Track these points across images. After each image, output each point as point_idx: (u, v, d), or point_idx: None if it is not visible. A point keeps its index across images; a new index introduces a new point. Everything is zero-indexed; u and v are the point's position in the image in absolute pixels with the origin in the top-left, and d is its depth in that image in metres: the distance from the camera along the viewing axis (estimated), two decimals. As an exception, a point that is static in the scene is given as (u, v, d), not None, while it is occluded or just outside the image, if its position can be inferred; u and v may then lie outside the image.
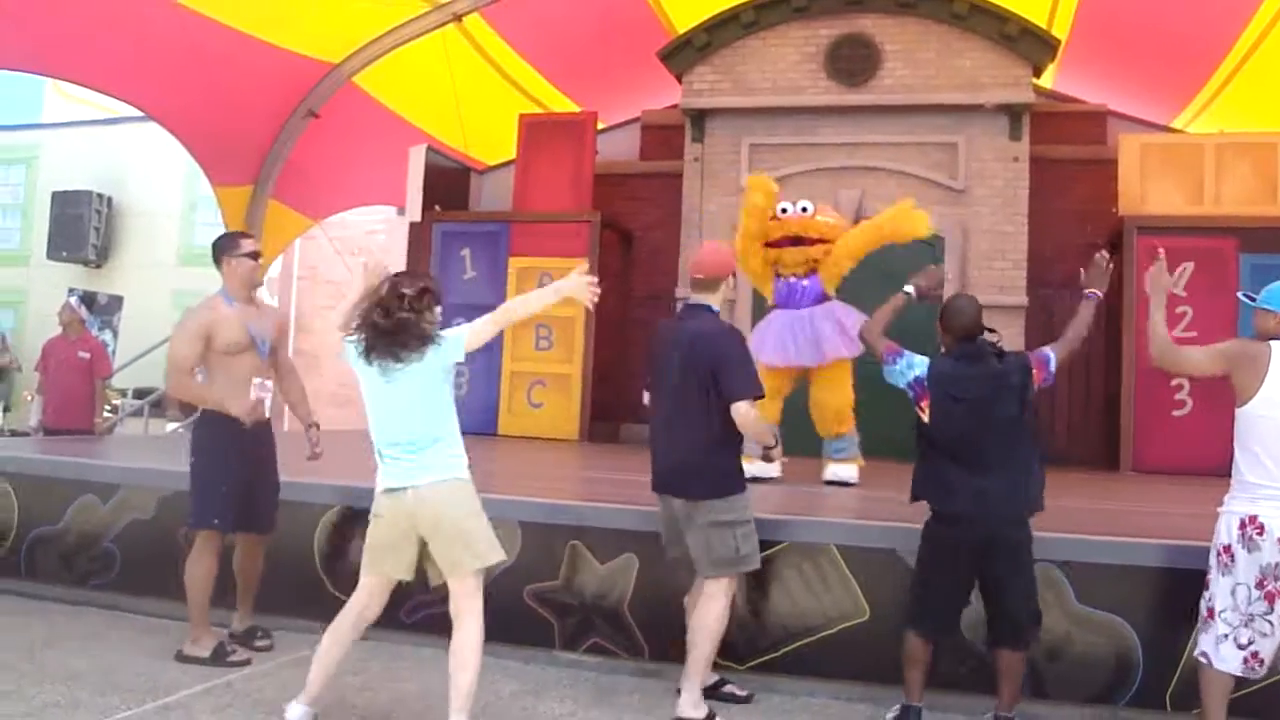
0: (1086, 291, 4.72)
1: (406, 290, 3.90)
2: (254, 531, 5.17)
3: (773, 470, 6.98)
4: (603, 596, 5.17)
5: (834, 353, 6.89)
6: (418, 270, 4.34)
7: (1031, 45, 10.40)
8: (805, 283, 7.09)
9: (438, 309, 4.01)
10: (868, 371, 7.45)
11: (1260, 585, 3.82)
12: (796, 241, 7.06)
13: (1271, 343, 3.97)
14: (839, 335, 6.87)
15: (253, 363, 5.09)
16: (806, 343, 6.89)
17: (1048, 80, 11.47)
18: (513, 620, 5.15)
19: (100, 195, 18.96)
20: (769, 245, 7.14)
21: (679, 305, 4.56)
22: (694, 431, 4.26)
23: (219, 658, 4.89)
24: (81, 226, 18.71)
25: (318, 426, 5.46)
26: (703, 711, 4.19)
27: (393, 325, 3.86)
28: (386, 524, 3.98)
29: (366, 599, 4.06)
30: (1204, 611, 4.02)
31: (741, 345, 4.38)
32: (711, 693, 4.42)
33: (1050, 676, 4.66)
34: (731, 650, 4.89)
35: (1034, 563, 4.25)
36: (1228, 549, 3.91)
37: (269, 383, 5.14)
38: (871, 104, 10.79)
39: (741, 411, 4.20)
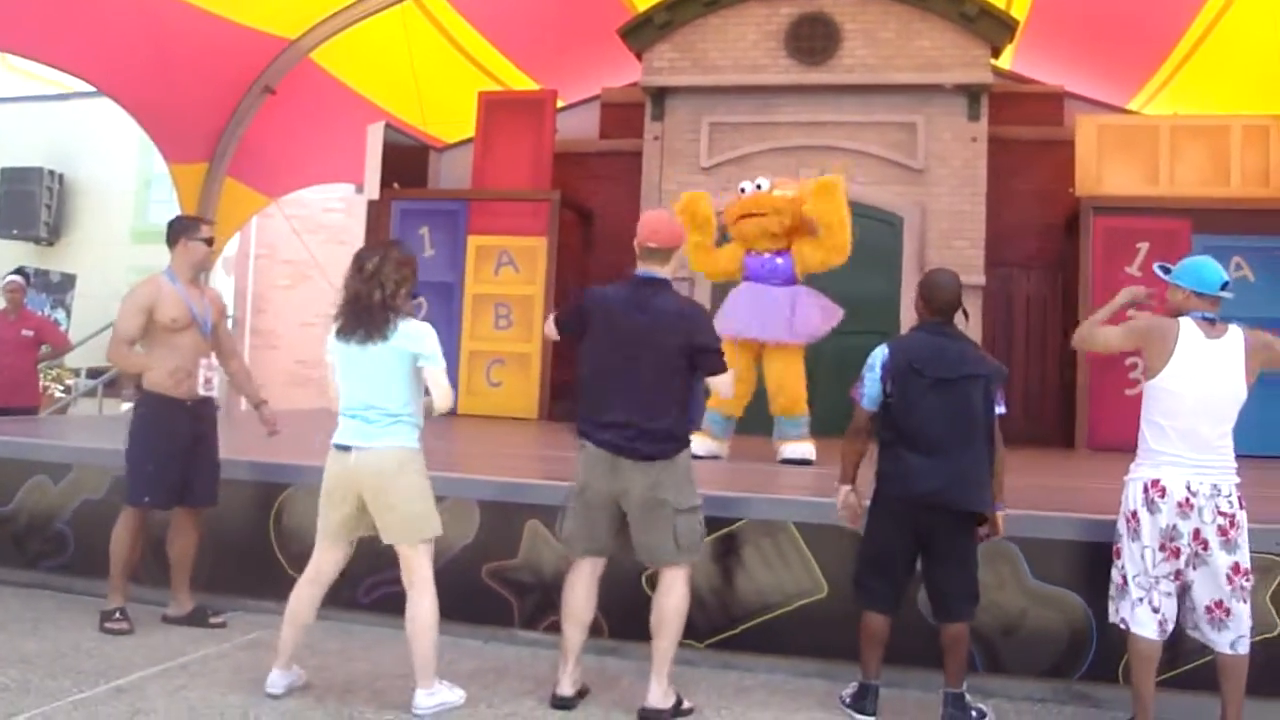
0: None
1: (388, 275, 4.07)
2: (188, 505, 5.19)
3: (721, 450, 7.04)
4: (562, 575, 5.13)
5: (806, 333, 6.97)
6: (395, 244, 4.29)
7: (990, 26, 10.44)
8: (779, 260, 7.12)
9: (415, 303, 4.23)
10: (818, 351, 7.54)
11: (1163, 547, 3.97)
12: (751, 216, 7.12)
13: (1180, 319, 4.09)
14: (818, 317, 6.97)
15: (195, 340, 5.20)
16: (780, 318, 6.92)
17: (1006, 61, 11.53)
18: (472, 599, 5.14)
19: (51, 172, 18.60)
20: (742, 218, 7.23)
21: (632, 276, 4.40)
22: (662, 400, 4.14)
23: (101, 619, 5.01)
24: (32, 204, 18.34)
25: (267, 403, 5.62)
26: (671, 700, 4.15)
27: (363, 305, 4.07)
28: (329, 481, 4.18)
29: (321, 562, 4.26)
30: (1117, 580, 4.16)
31: (708, 322, 4.39)
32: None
33: (1006, 651, 4.71)
34: (691, 628, 4.87)
35: (974, 545, 4.28)
36: (1134, 515, 4.06)
37: (215, 361, 5.30)
38: (831, 83, 10.80)
39: (725, 383, 4.26)
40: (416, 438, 4.21)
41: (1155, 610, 4.01)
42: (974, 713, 4.16)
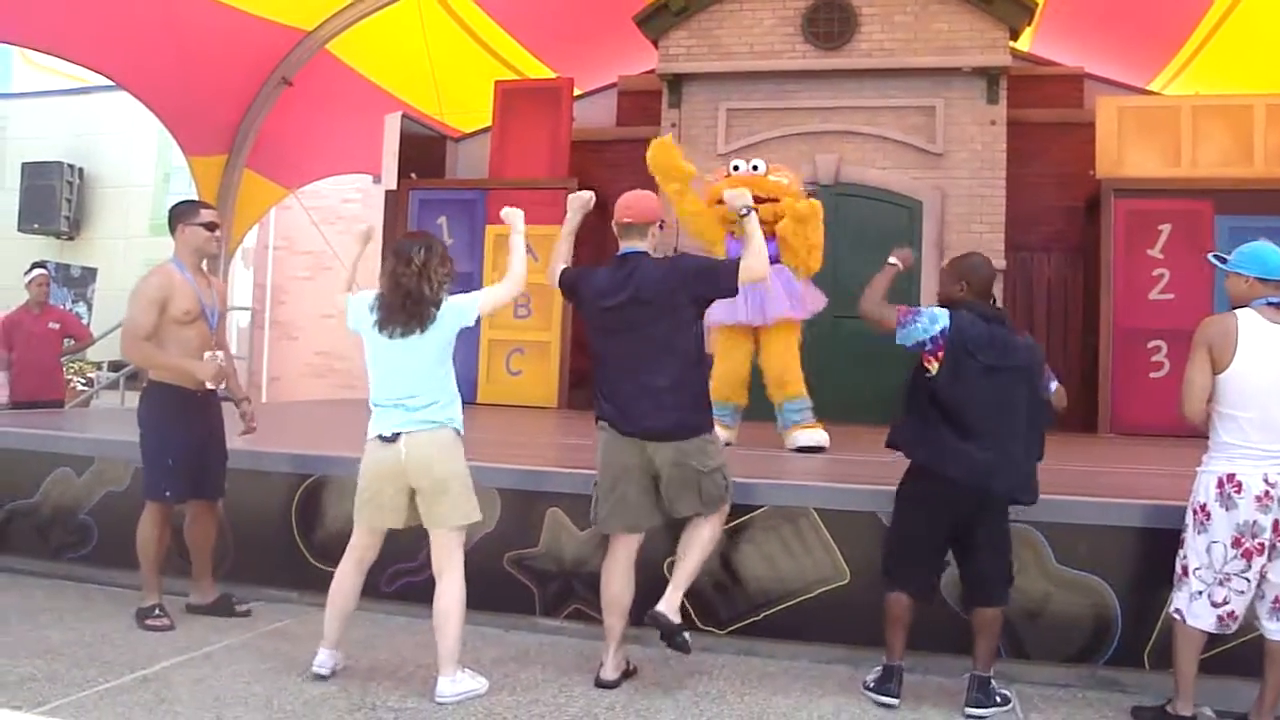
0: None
1: (435, 270, 4.13)
2: (204, 498, 5.19)
3: (732, 438, 6.98)
4: (583, 563, 5.16)
5: (777, 314, 6.86)
6: (435, 238, 4.31)
7: (1008, 8, 10.34)
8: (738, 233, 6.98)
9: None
10: (825, 336, 7.48)
11: (1237, 544, 3.88)
12: None
13: (1238, 312, 4.00)
14: (787, 297, 6.86)
15: (203, 332, 5.08)
16: (778, 296, 6.85)
17: (1025, 43, 11.44)
18: (493, 588, 5.14)
19: (71, 166, 18.69)
20: (718, 203, 7.07)
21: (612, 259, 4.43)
22: (670, 370, 4.20)
23: (140, 617, 4.97)
24: (53, 198, 18.43)
25: (248, 401, 5.55)
26: (678, 619, 4.22)
27: (411, 301, 4.10)
28: (375, 473, 4.19)
29: (362, 549, 4.31)
30: (1179, 570, 4.08)
31: (695, 259, 4.51)
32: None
33: (1029, 637, 4.68)
34: (712, 614, 4.91)
35: (1010, 524, 4.26)
36: (1204, 508, 3.96)
37: (220, 354, 5.14)
38: (849, 68, 10.73)
39: (751, 269, 4.24)
40: (460, 420, 4.26)
41: (1216, 605, 3.93)
42: (998, 698, 4.15)
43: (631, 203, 4.47)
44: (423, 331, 4.11)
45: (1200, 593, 3.96)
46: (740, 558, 4.96)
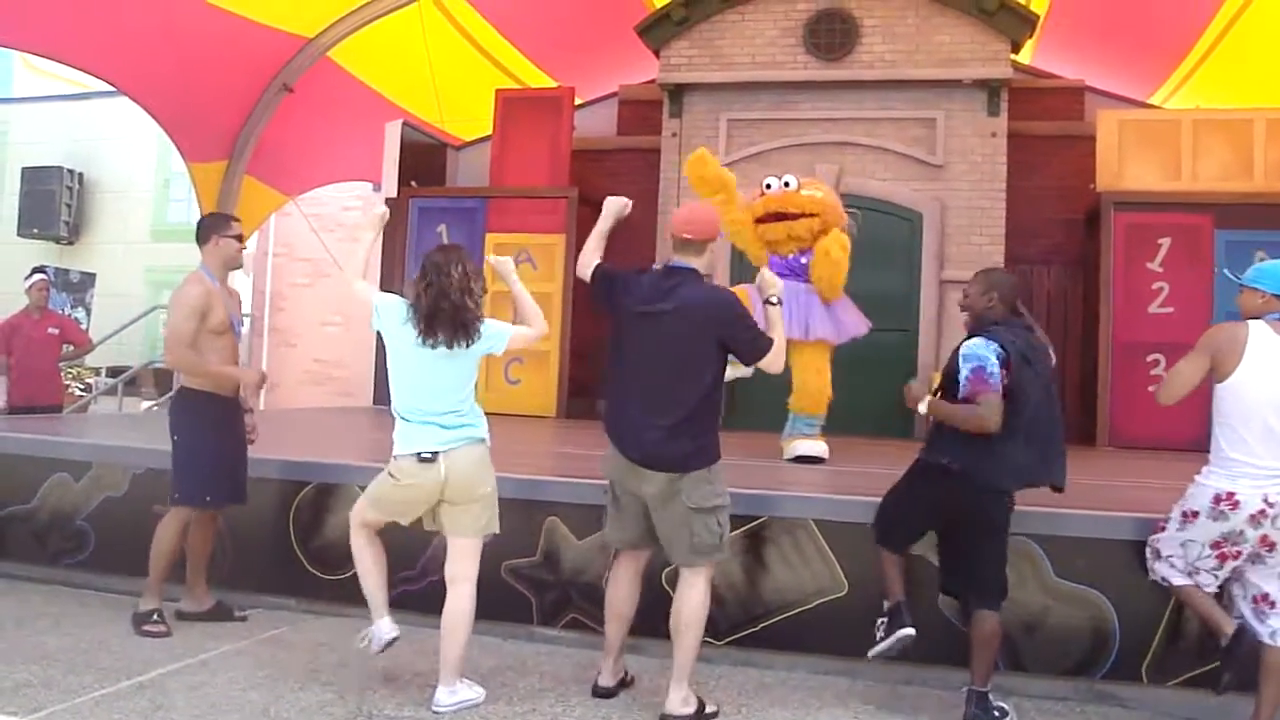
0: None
1: (475, 285, 4.11)
2: (238, 503, 5.23)
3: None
4: (580, 572, 5.16)
5: (819, 334, 6.88)
6: (460, 249, 4.28)
7: (1010, 20, 10.36)
8: (803, 260, 6.98)
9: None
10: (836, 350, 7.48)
11: (1216, 546, 3.99)
12: (780, 217, 7.00)
13: (1250, 322, 4.01)
14: (830, 320, 6.88)
15: (231, 343, 5.17)
16: (821, 317, 6.87)
17: (1026, 56, 11.45)
18: (491, 597, 5.10)
19: (71, 171, 18.72)
20: (757, 222, 7.11)
21: (659, 265, 4.36)
22: (685, 402, 4.02)
23: (138, 622, 4.96)
24: (53, 203, 18.46)
25: (252, 411, 5.52)
26: (692, 706, 4.07)
27: (460, 315, 4.06)
28: (408, 488, 4.17)
29: (373, 526, 4.32)
30: (1149, 552, 4.34)
31: (742, 308, 4.20)
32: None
33: (1027, 649, 4.68)
34: (710, 625, 4.86)
35: (1007, 536, 4.27)
36: (1194, 514, 4.05)
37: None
38: (850, 79, 10.73)
39: (775, 358, 4.15)
40: (486, 430, 4.29)
41: (1190, 575, 4.14)
42: (996, 712, 4.14)
43: (693, 218, 4.28)
44: (468, 346, 4.11)
45: (1172, 565, 4.19)
46: (738, 568, 4.95)
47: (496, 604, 5.13)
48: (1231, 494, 3.91)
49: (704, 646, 4.60)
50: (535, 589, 5.22)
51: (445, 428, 4.13)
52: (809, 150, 10.69)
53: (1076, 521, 4.75)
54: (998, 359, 4.09)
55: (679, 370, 4.05)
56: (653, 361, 4.07)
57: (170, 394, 5.33)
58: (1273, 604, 3.94)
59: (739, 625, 4.95)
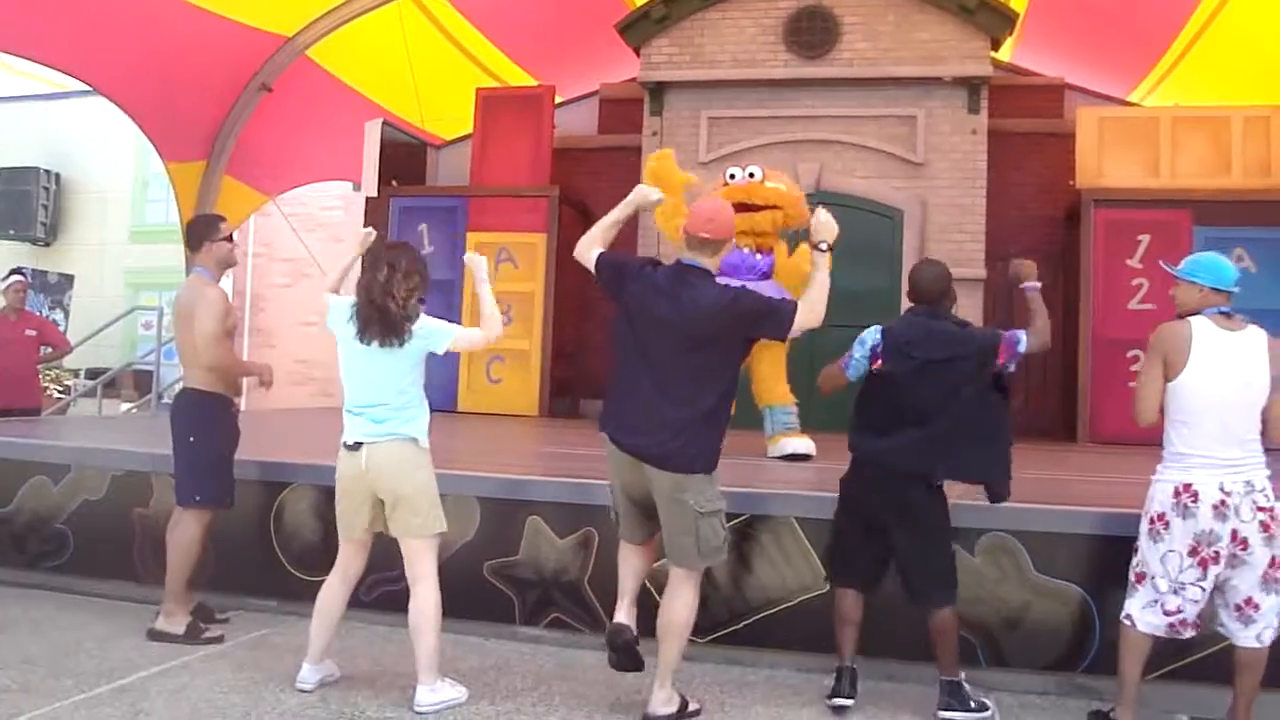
0: (1025, 286, 4.54)
1: (399, 286, 4.12)
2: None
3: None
4: (563, 571, 5.15)
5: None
6: (408, 249, 4.33)
7: (990, 18, 10.40)
8: (757, 257, 6.88)
9: (422, 305, 4.24)
10: (816, 345, 7.48)
11: (1194, 553, 3.90)
12: (742, 208, 6.94)
13: (1191, 320, 4.03)
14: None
15: (231, 344, 5.20)
16: None
17: (1006, 54, 11.50)
18: (473, 596, 5.13)
19: (48, 171, 18.60)
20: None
21: (673, 262, 4.19)
22: (694, 400, 3.94)
23: (192, 635, 4.88)
24: (29, 204, 18.35)
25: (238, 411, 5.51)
26: (674, 705, 4.06)
27: (383, 315, 4.11)
28: (341, 481, 4.25)
29: (345, 562, 4.33)
30: (1131, 577, 4.11)
31: (752, 298, 4.10)
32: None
33: (1009, 645, 4.70)
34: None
35: (946, 529, 4.31)
36: (1161, 517, 3.98)
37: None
38: (830, 77, 10.76)
39: (807, 319, 4.02)
40: (423, 430, 4.25)
41: (1169, 614, 3.96)
42: (973, 703, 4.15)
43: (713, 216, 4.11)
44: (400, 345, 4.13)
45: (1154, 601, 4.00)
46: (722, 566, 4.94)
47: (479, 603, 5.14)
48: (1189, 485, 3.91)
49: (687, 645, 4.61)
50: (517, 588, 5.21)
51: (373, 420, 4.17)
52: (790, 148, 10.71)
53: (1057, 517, 4.77)
54: (870, 344, 4.36)
55: (687, 377, 3.96)
56: (667, 364, 3.97)
57: (150, 396, 5.29)
58: (1256, 606, 3.92)
59: (722, 623, 4.95)
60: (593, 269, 4.32)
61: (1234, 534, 3.86)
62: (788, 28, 10.84)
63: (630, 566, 4.25)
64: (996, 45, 10.63)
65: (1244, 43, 10.23)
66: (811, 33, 10.79)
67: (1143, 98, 11.89)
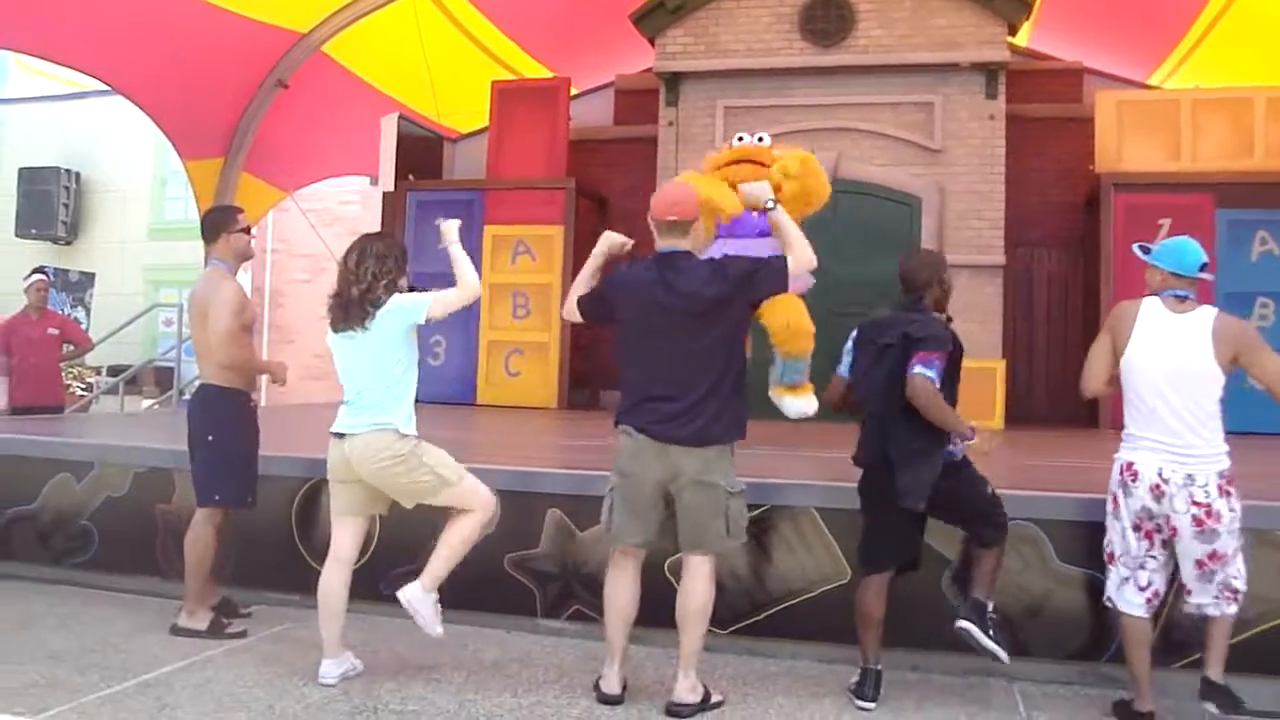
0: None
1: (366, 270, 4.17)
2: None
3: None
4: (583, 563, 5.15)
5: (806, 283, 6.79)
6: (385, 236, 4.45)
7: (1007, 3, 10.33)
8: (755, 215, 6.48)
9: (401, 279, 4.26)
10: (834, 332, 7.43)
11: (1137, 528, 4.02)
12: (748, 162, 6.88)
13: (1143, 299, 4.10)
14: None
15: (250, 339, 5.17)
16: None
17: (1023, 38, 11.42)
18: (494, 589, 5.14)
19: (68, 171, 18.71)
20: (723, 166, 7.02)
21: (646, 258, 4.17)
22: (709, 378, 3.95)
23: (216, 630, 4.90)
24: (50, 203, 18.46)
25: (256, 406, 5.54)
26: (699, 694, 4.05)
27: (346, 302, 4.19)
28: (333, 468, 4.33)
29: (336, 545, 4.37)
30: (1105, 556, 4.22)
31: (742, 263, 4.09)
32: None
33: (1032, 634, 4.67)
34: (714, 615, 4.85)
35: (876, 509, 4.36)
36: (1114, 496, 4.10)
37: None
38: (846, 65, 10.73)
39: (798, 270, 4.05)
40: (407, 417, 4.23)
41: (1143, 588, 4.06)
42: (992, 631, 4.15)
43: (675, 199, 4.13)
44: (364, 329, 4.17)
45: (1126, 579, 4.09)
46: (742, 557, 4.94)
47: (499, 596, 5.14)
48: (1131, 464, 4.00)
49: (708, 636, 4.60)
50: (538, 581, 5.22)
51: (359, 409, 4.23)
52: (807, 137, 10.63)
53: (1078, 505, 4.73)
54: (852, 340, 4.47)
55: (697, 358, 3.97)
56: (670, 353, 3.99)
57: (171, 392, 5.30)
58: (1191, 592, 4.00)
59: (743, 614, 4.94)
60: (582, 318, 4.37)
61: (1168, 520, 3.93)
62: (803, 16, 10.81)
63: (618, 612, 4.14)
64: (1014, 30, 10.56)
65: (1265, 23, 10.13)
66: (827, 20, 10.75)
67: (1163, 81, 11.79)
